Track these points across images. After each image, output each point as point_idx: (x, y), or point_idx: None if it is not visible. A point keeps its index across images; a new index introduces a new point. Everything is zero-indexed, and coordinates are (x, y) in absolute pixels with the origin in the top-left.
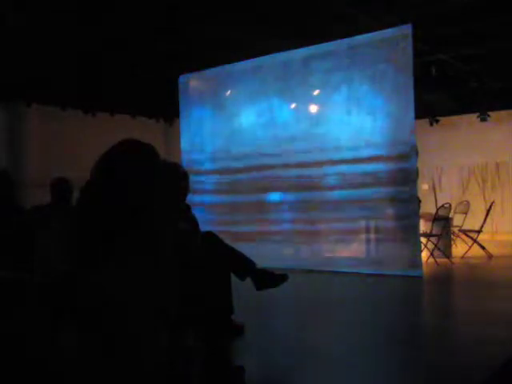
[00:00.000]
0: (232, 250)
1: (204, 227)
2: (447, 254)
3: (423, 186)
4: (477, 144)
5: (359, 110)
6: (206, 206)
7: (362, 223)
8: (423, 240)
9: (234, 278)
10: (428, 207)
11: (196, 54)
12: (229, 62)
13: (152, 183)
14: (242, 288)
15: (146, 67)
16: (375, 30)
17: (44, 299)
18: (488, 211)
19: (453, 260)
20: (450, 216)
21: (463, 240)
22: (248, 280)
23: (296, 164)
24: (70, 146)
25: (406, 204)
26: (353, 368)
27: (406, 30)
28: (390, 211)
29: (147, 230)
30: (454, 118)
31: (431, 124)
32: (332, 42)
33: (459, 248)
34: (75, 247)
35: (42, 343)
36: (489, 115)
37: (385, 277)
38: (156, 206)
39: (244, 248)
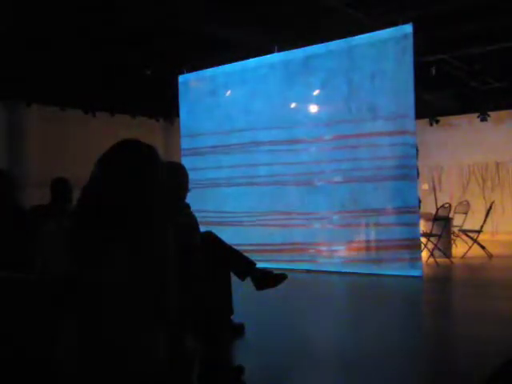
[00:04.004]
0: (232, 249)
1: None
2: (447, 254)
3: (423, 186)
4: (477, 144)
5: (359, 110)
6: None
7: (362, 222)
8: (423, 240)
9: (233, 278)
10: (428, 207)
11: (196, 54)
12: (229, 61)
13: (151, 183)
14: (242, 288)
15: (146, 67)
16: (375, 30)
17: (44, 299)
18: (488, 211)
19: (453, 260)
20: (450, 216)
21: (463, 240)
22: (248, 280)
23: (296, 162)
24: (70, 145)
25: (407, 204)
26: (352, 368)
27: (406, 29)
28: (390, 211)
29: (146, 229)
30: (454, 118)
31: (431, 124)
32: (332, 42)
33: (459, 248)
34: (74, 247)
35: (43, 343)
36: (489, 115)
37: (385, 277)
38: (155, 206)
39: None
